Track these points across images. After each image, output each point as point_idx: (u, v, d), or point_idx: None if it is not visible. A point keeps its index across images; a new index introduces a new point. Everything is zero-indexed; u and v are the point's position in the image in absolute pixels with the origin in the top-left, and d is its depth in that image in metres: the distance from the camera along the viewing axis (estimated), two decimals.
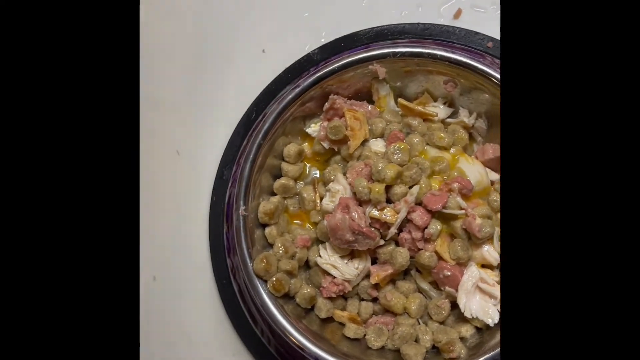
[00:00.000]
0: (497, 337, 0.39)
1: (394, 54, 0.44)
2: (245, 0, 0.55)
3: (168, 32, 0.56)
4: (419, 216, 0.41)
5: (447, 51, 0.43)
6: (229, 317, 0.48)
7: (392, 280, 0.43)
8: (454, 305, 0.41)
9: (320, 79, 0.44)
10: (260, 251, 0.44)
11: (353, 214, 0.41)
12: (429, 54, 0.43)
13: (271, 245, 0.45)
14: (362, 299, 0.44)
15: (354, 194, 0.42)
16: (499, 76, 0.41)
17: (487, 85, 0.42)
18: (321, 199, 0.45)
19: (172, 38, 0.56)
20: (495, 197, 0.43)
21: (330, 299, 0.43)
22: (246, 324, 0.47)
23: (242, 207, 0.43)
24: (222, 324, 0.49)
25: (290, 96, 0.44)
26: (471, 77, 0.43)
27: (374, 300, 0.44)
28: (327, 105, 0.46)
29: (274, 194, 0.47)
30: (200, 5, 0.56)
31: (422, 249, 0.41)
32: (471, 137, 0.46)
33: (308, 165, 0.48)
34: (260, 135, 0.44)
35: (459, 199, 0.41)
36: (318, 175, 0.48)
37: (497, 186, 0.44)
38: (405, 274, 0.44)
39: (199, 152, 0.53)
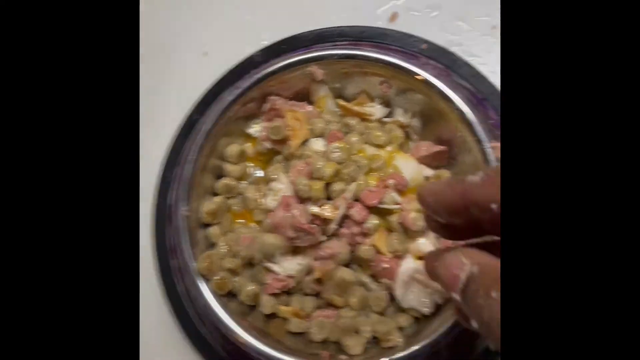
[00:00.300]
0: (433, 326, 0.40)
1: (331, 56, 0.45)
2: (186, 3, 0.56)
3: None
4: (357, 212, 0.42)
5: (380, 53, 0.44)
6: (176, 318, 0.48)
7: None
8: (393, 296, 0.43)
9: (260, 80, 0.45)
10: (203, 251, 0.44)
11: (294, 211, 0.42)
12: (363, 56, 0.44)
13: (214, 246, 0.45)
14: (305, 294, 0.45)
15: (296, 192, 0.43)
16: (429, 77, 0.43)
17: (419, 85, 0.44)
18: (264, 197, 0.46)
19: None
20: None
21: (274, 295, 0.44)
22: (192, 325, 0.47)
23: (184, 208, 0.43)
24: (169, 326, 0.49)
25: (230, 97, 0.45)
26: (404, 78, 0.45)
27: (317, 294, 0.45)
28: (267, 106, 0.47)
29: (216, 194, 0.47)
30: (141, 8, 0.56)
31: (360, 243, 0.43)
32: (407, 135, 0.48)
33: (251, 164, 0.49)
34: (201, 137, 0.45)
35: (394, 194, 0.43)
36: (261, 175, 0.48)
37: (431, 181, 0.46)
38: (346, 267, 0.45)
39: (141, 154, 0.53)
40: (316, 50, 0.46)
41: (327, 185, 0.43)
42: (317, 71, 0.46)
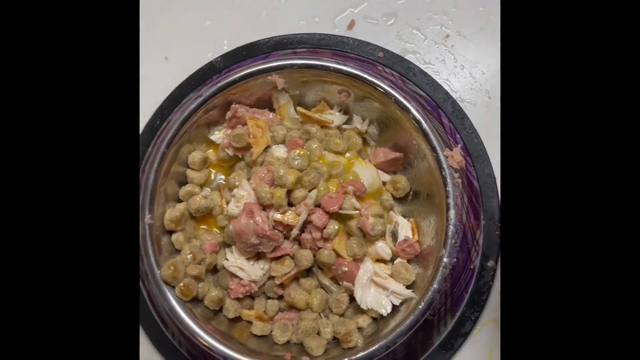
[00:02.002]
0: (390, 325, 0.43)
1: (291, 66, 0.46)
2: (146, 8, 0.56)
3: None
4: (318, 217, 0.44)
5: (339, 63, 0.46)
6: (140, 322, 0.49)
7: (296, 277, 0.46)
8: (353, 298, 0.45)
9: (222, 89, 0.46)
10: (167, 258, 0.45)
11: (257, 218, 0.43)
12: (322, 66, 0.46)
13: (179, 251, 0.46)
14: (268, 297, 0.47)
15: (258, 199, 0.44)
16: (385, 86, 0.45)
17: (376, 94, 0.46)
18: (227, 204, 0.47)
19: None
20: (387, 197, 0.47)
21: (237, 299, 0.46)
22: (157, 328, 0.48)
23: (147, 216, 0.44)
24: None
25: (193, 105, 0.46)
26: (362, 87, 0.46)
27: (280, 297, 0.47)
28: (229, 113, 0.47)
29: (180, 201, 0.48)
30: None
31: (321, 248, 0.44)
32: (365, 142, 0.50)
33: (213, 171, 0.50)
34: (164, 144, 0.45)
35: (353, 200, 0.44)
36: (223, 181, 0.49)
37: (389, 186, 0.48)
38: (308, 271, 0.47)
39: None
40: (277, 60, 0.47)
41: (289, 191, 0.44)
42: (279, 80, 0.47)
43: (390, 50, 0.53)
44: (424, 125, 0.44)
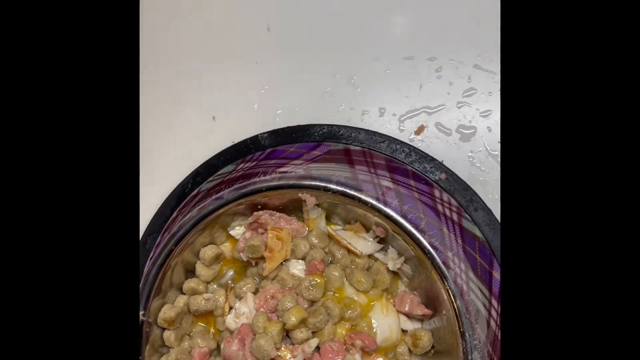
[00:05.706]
0: None
1: (326, 189, 0.40)
2: (202, 62, 0.51)
3: None
4: None
5: (379, 201, 0.39)
6: None
7: None
8: None
9: (246, 195, 0.41)
10: (155, 351, 0.43)
11: (247, 352, 0.39)
12: (361, 199, 0.40)
13: (168, 348, 0.44)
14: None
15: (252, 327, 0.40)
16: (427, 244, 0.38)
17: (414, 246, 0.39)
18: (230, 308, 0.44)
19: None
20: (403, 350, 0.42)
21: None
22: None
23: (141, 312, 0.42)
24: None
25: (212, 206, 0.42)
26: (401, 233, 0.40)
27: None
28: (251, 219, 0.43)
29: (182, 293, 0.45)
30: (158, 57, 0.52)
31: None
32: (396, 274, 0.44)
33: (225, 267, 0.46)
34: (173, 240, 0.42)
35: (357, 356, 0.39)
36: (232, 280, 0.45)
37: (408, 339, 0.42)
38: None
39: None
40: (309, 179, 0.41)
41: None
42: (309, 199, 0.41)
43: (455, 173, 0.45)
44: (459, 302, 0.37)
